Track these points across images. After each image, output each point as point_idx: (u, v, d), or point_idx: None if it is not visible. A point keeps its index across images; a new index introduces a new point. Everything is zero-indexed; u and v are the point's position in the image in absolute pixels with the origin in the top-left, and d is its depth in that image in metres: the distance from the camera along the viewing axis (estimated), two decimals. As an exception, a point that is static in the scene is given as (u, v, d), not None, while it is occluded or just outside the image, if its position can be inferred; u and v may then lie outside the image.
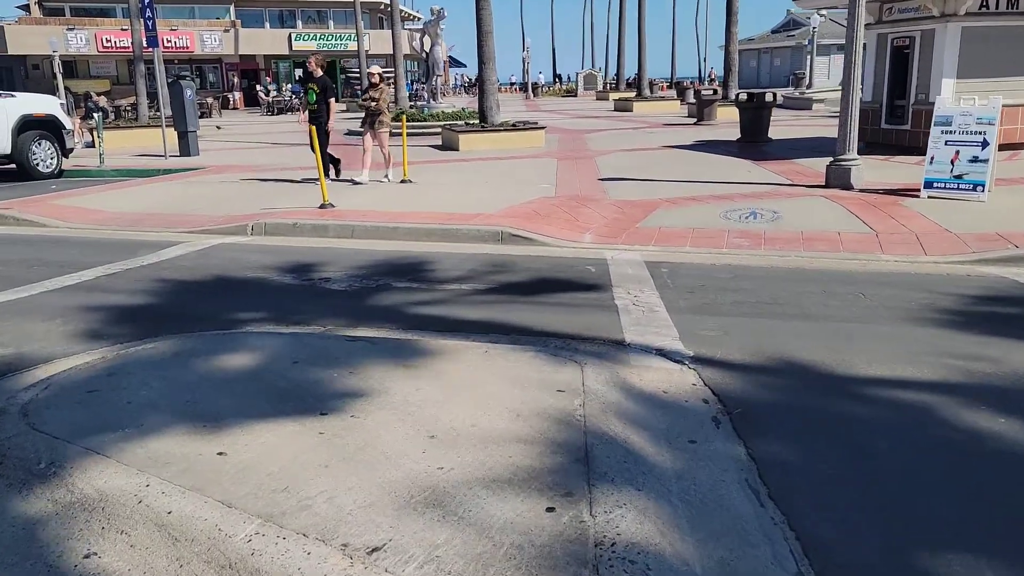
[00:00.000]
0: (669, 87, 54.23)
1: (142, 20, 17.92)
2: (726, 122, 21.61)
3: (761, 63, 57.46)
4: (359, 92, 40.69)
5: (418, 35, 25.38)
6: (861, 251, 7.66)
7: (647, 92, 33.62)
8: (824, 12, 36.81)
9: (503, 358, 4.30)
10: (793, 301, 5.93)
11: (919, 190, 9.78)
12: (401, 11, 38.34)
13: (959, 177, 9.49)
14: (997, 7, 12.78)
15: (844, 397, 4.03)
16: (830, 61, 48.23)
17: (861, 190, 10.28)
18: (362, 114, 12.30)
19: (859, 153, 10.52)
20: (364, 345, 4.55)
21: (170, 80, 18.49)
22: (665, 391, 4.07)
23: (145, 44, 18.46)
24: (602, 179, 12.15)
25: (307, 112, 11.84)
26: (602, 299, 6.09)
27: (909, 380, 4.25)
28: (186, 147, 17.32)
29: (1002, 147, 10.69)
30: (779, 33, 57.43)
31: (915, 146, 13.36)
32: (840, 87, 10.84)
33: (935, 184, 9.63)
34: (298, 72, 47.96)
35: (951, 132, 9.56)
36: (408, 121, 20.45)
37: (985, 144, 9.35)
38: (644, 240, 8.31)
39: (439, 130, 18.88)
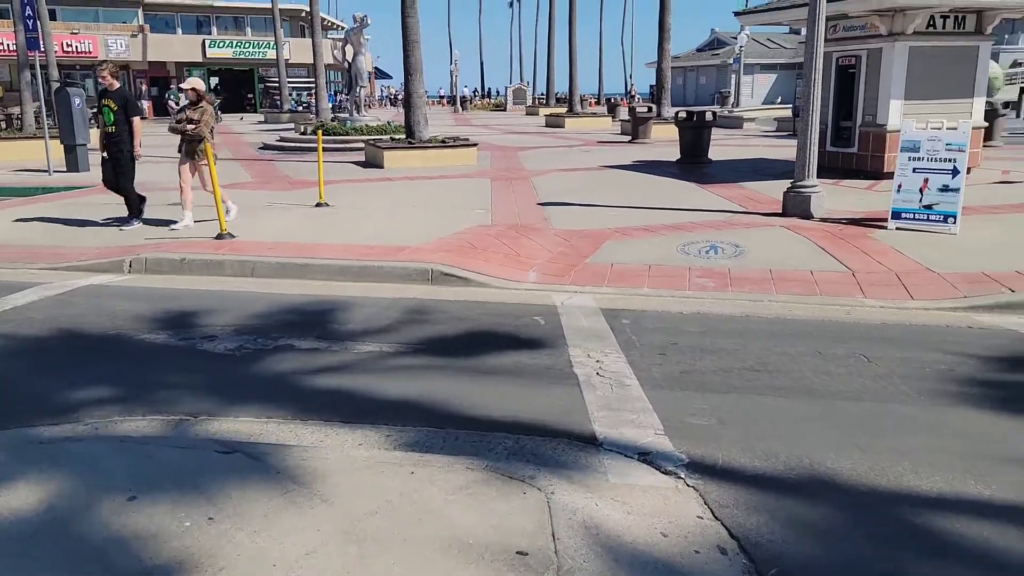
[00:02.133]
0: (597, 103, 54.05)
1: (23, 21, 15.95)
2: (662, 140, 20.93)
3: (687, 81, 57.92)
4: (278, 102, 38.35)
5: (340, 44, 23.78)
6: (840, 294, 6.76)
7: (578, 108, 32.89)
8: (748, 32, 37.08)
9: (436, 484, 3.06)
10: (787, 367, 4.89)
11: (885, 220, 9.02)
12: (323, 19, 36.66)
13: (929, 207, 8.75)
14: (944, 27, 12.30)
15: (910, 539, 2.93)
16: (754, 80, 48.96)
17: (822, 219, 9.47)
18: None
19: (808, 178, 9.72)
20: (241, 461, 3.23)
21: (56, 87, 16.48)
22: (664, 533, 2.91)
23: (28, 48, 16.46)
24: (542, 203, 11.03)
25: (103, 135, 9.41)
26: (557, 365, 4.93)
27: (979, 503, 3.20)
28: (74, 162, 15.39)
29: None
30: (704, 52, 58.03)
31: (863, 169, 12.81)
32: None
33: (903, 215, 8.88)
34: (213, 81, 45.47)
35: (919, 159, 8.80)
36: (329, 135, 19.04)
37: (955, 172, 8.62)
38: (596, 280, 7.21)
39: (362, 145, 17.45)
